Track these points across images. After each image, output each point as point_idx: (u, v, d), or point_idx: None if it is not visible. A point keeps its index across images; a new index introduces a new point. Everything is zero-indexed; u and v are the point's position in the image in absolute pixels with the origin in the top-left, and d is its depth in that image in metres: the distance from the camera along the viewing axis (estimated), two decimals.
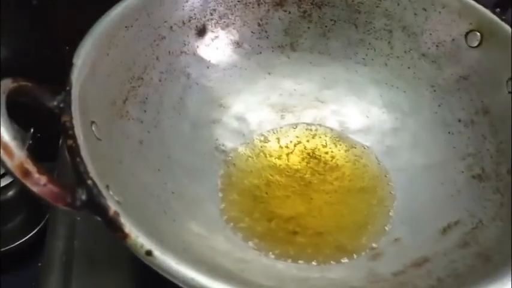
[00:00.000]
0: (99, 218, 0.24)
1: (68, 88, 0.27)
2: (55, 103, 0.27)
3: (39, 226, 0.48)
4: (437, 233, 0.31)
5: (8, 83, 0.24)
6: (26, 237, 0.47)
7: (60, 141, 0.41)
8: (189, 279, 0.22)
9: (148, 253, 0.23)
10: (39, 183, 0.22)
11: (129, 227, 0.23)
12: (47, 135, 0.41)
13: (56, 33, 0.48)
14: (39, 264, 0.50)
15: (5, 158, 0.22)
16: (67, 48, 0.47)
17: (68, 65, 0.44)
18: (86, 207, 0.24)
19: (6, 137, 0.22)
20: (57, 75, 0.50)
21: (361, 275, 0.30)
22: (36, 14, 0.46)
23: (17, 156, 0.22)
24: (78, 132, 0.26)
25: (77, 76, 0.28)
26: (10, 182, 0.45)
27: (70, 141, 0.25)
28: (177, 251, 0.25)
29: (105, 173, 0.26)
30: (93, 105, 0.29)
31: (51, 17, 0.47)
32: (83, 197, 0.24)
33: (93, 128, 0.28)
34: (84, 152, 0.25)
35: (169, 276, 0.23)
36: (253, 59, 0.39)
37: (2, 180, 0.45)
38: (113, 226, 0.23)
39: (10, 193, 0.46)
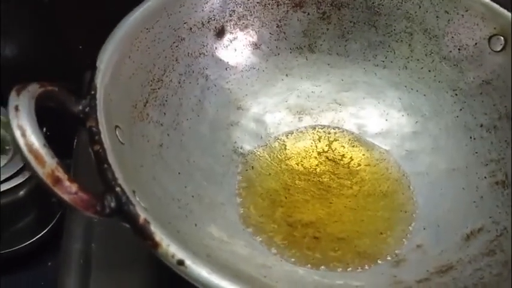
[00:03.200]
0: (128, 226, 0.24)
1: (92, 92, 0.27)
2: (80, 108, 0.26)
3: (50, 226, 0.48)
4: (461, 240, 0.31)
5: (35, 88, 0.24)
6: (37, 237, 0.47)
7: (75, 140, 0.40)
8: None
9: (180, 263, 0.22)
10: (70, 191, 0.22)
11: (160, 236, 0.23)
12: (56, 132, 0.41)
13: (64, 30, 0.47)
14: (49, 263, 0.50)
15: (36, 165, 0.21)
16: (80, 47, 0.47)
17: (79, 64, 0.44)
18: (115, 214, 0.23)
19: (37, 144, 0.22)
20: (65, 73, 0.50)
21: (384, 282, 0.30)
22: (45, 12, 0.45)
23: (48, 163, 0.22)
24: (105, 137, 0.26)
25: (100, 80, 0.28)
26: (20, 183, 0.45)
27: (97, 147, 0.25)
28: (201, 256, 0.25)
29: (130, 178, 0.25)
30: (116, 109, 0.29)
31: (59, 16, 0.46)
32: (112, 205, 0.23)
33: (117, 133, 0.28)
34: (111, 158, 0.25)
35: (200, 285, 0.22)
36: (271, 60, 0.39)
37: (12, 180, 0.44)
38: (143, 234, 0.23)
39: (21, 193, 0.45)
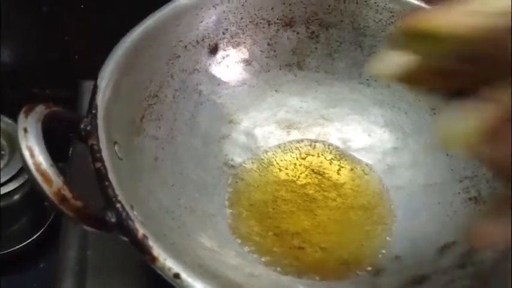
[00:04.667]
0: (127, 239, 0.25)
1: (93, 111, 0.28)
2: (82, 126, 0.28)
3: (42, 229, 0.49)
4: (436, 252, 0.33)
5: (42, 110, 0.25)
6: (29, 240, 0.48)
7: (71, 149, 0.42)
8: None
9: (176, 276, 0.24)
10: (75, 208, 0.24)
11: (157, 250, 0.24)
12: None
13: (63, 39, 0.49)
14: (41, 265, 0.51)
15: (43, 184, 0.23)
16: (76, 57, 0.48)
17: (75, 72, 0.45)
18: (115, 229, 0.25)
19: (45, 164, 0.23)
20: (60, 80, 0.51)
21: None
22: (45, 20, 0.47)
23: (55, 183, 0.23)
24: (105, 154, 0.27)
25: (101, 99, 0.29)
26: (16, 188, 0.46)
27: (98, 164, 0.26)
28: (195, 268, 0.26)
29: (128, 192, 0.27)
30: (115, 125, 0.30)
31: (59, 23, 0.47)
32: (113, 220, 0.25)
33: (115, 148, 0.29)
34: (111, 175, 0.26)
35: None
36: (261, 76, 0.41)
37: (8, 185, 0.46)
38: (141, 248, 0.25)
39: (16, 197, 0.47)
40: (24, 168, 0.44)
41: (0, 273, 0.48)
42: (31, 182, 0.23)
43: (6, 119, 0.47)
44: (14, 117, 0.45)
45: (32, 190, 0.46)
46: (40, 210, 0.49)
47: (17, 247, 0.48)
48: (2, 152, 0.46)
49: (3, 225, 0.47)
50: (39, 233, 0.49)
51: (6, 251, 0.47)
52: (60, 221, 0.42)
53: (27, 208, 0.48)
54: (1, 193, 0.45)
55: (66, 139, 0.43)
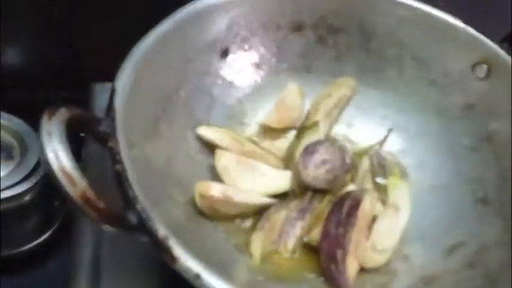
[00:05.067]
0: (147, 240, 0.26)
1: (112, 114, 0.29)
2: (101, 128, 0.28)
3: (52, 229, 0.49)
4: (444, 253, 0.34)
5: (64, 113, 0.26)
6: (38, 241, 0.49)
7: (84, 149, 0.42)
8: None
9: (197, 276, 0.25)
10: (98, 209, 0.24)
11: (178, 251, 0.25)
12: None
13: (74, 43, 0.49)
14: (50, 266, 0.51)
15: (68, 186, 0.24)
16: (86, 60, 0.49)
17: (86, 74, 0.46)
18: (136, 230, 0.26)
19: (69, 166, 0.24)
20: (74, 82, 0.51)
21: None
22: (57, 24, 0.47)
23: (79, 185, 0.24)
24: (124, 156, 0.28)
25: (119, 102, 0.30)
26: (25, 190, 0.46)
27: (118, 166, 0.27)
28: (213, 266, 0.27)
29: (146, 193, 0.28)
30: (132, 127, 0.31)
31: (69, 27, 0.48)
32: (134, 221, 0.26)
33: (133, 150, 0.30)
34: (131, 176, 0.27)
35: None
36: (270, 79, 0.41)
37: (18, 186, 0.46)
38: (162, 249, 0.25)
39: (26, 198, 0.47)
40: (34, 170, 0.45)
41: (9, 273, 0.49)
42: (55, 184, 0.24)
43: (17, 120, 0.47)
44: (24, 119, 0.46)
45: (42, 191, 0.47)
46: (50, 211, 0.50)
47: (26, 247, 0.48)
48: (13, 154, 0.46)
49: (13, 226, 0.47)
50: (48, 234, 0.49)
51: (16, 251, 0.48)
52: (70, 222, 0.43)
53: (38, 209, 0.49)
54: (12, 194, 0.45)
55: (77, 141, 0.44)
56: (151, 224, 0.25)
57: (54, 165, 0.24)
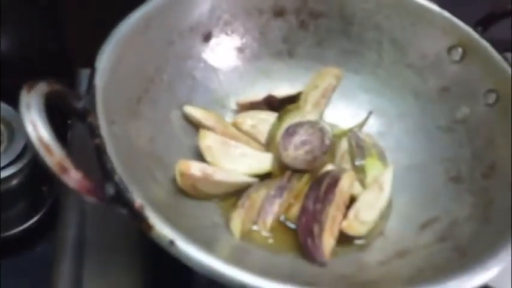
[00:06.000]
0: (124, 211, 0.27)
1: (92, 91, 0.30)
2: (81, 105, 0.29)
3: (40, 214, 0.50)
4: (418, 228, 0.35)
5: (43, 86, 0.27)
6: (27, 224, 0.50)
7: (69, 134, 0.43)
8: (209, 268, 0.25)
9: (171, 243, 0.25)
10: (75, 179, 0.25)
11: (153, 219, 0.26)
12: None
13: (60, 30, 0.50)
14: (39, 249, 0.52)
15: (46, 155, 0.24)
16: (73, 47, 0.49)
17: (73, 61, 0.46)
18: (113, 201, 0.27)
19: (47, 137, 0.25)
20: (61, 68, 0.52)
21: (350, 264, 0.34)
22: (43, 12, 0.48)
23: (57, 154, 0.25)
24: (103, 131, 0.29)
25: (99, 80, 0.31)
26: (13, 173, 0.47)
27: (97, 140, 0.28)
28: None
29: (126, 167, 0.29)
30: (113, 105, 0.32)
31: (57, 14, 0.49)
32: (111, 192, 0.27)
33: (113, 127, 0.31)
34: (109, 150, 0.28)
35: (189, 262, 0.26)
36: (253, 64, 0.42)
37: (6, 170, 0.47)
38: (138, 218, 0.26)
39: (14, 182, 0.48)
40: (21, 154, 0.46)
41: None
42: (34, 154, 0.24)
43: (5, 106, 0.48)
44: (13, 105, 0.46)
45: (29, 176, 0.48)
46: (38, 195, 0.50)
47: (15, 230, 0.49)
48: (1, 139, 0.47)
49: (2, 209, 0.48)
50: (37, 217, 0.50)
51: (5, 234, 0.48)
52: (59, 205, 0.43)
53: (26, 193, 0.49)
54: (0, 178, 0.46)
55: (64, 123, 0.45)
56: (128, 194, 0.26)
57: (32, 135, 0.24)
